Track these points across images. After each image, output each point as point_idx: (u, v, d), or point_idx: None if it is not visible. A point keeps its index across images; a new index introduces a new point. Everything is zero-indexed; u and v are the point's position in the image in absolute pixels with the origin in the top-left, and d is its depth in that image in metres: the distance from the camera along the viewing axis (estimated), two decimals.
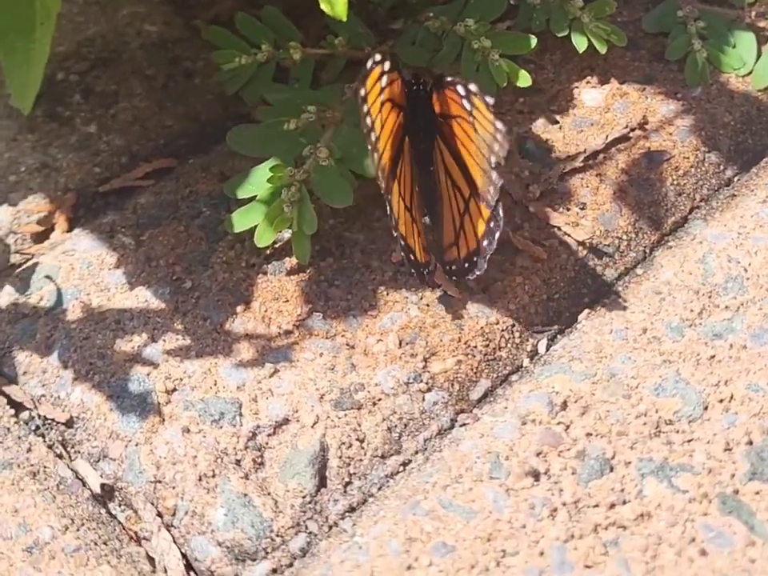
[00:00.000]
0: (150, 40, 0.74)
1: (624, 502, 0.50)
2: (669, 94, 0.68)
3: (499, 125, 0.50)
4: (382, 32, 0.71)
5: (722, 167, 0.65)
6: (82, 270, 0.60)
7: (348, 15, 0.68)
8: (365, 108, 0.51)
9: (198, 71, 0.72)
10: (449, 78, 0.55)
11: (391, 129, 0.55)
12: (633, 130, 0.66)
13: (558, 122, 0.66)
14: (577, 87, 0.68)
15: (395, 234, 0.55)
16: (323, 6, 0.53)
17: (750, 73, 0.69)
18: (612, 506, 0.50)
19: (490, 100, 0.51)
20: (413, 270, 0.56)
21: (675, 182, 0.63)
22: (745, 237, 0.60)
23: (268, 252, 0.60)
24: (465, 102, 0.52)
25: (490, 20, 0.67)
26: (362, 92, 0.51)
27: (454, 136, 0.56)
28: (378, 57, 0.52)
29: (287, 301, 0.58)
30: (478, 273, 0.56)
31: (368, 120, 0.52)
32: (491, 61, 0.65)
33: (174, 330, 0.57)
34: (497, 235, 0.55)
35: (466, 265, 0.56)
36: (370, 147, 0.52)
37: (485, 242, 0.55)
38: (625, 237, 0.61)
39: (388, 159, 0.54)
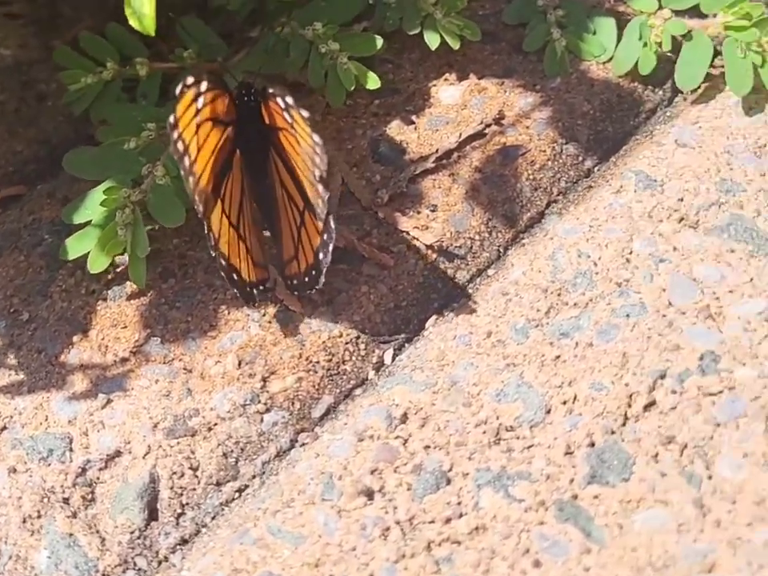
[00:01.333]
0: (4, 63, 0.72)
1: (460, 516, 0.48)
2: (527, 86, 0.66)
3: (317, 138, 0.49)
4: (238, 41, 0.69)
5: (580, 158, 0.63)
6: None
7: (199, 25, 0.67)
8: (175, 134, 0.49)
9: (51, 93, 0.70)
10: (270, 90, 0.53)
11: (213, 148, 0.53)
12: (488, 126, 0.64)
13: (413, 123, 0.65)
14: (434, 85, 0.66)
15: (214, 254, 0.53)
16: (131, 22, 0.51)
17: (611, 59, 0.67)
18: (448, 520, 0.48)
19: (305, 113, 0.49)
20: (235, 290, 0.54)
21: (531, 177, 0.62)
22: (596, 229, 0.58)
23: (109, 277, 0.58)
24: (286, 114, 0.50)
25: (341, 22, 0.65)
26: (172, 119, 0.49)
27: (283, 148, 0.54)
28: (189, 79, 0.50)
29: (125, 327, 0.56)
30: (317, 287, 0.54)
31: (179, 146, 0.49)
32: (339, 64, 0.63)
33: (7, 365, 0.55)
34: (330, 247, 0.53)
35: (306, 279, 0.54)
36: (183, 173, 0.50)
37: (320, 255, 0.53)
38: (477, 237, 0.60)
39: (208, 180, 0.52)
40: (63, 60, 0.66)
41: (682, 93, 0.67)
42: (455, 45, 0.65)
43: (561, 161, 0.63)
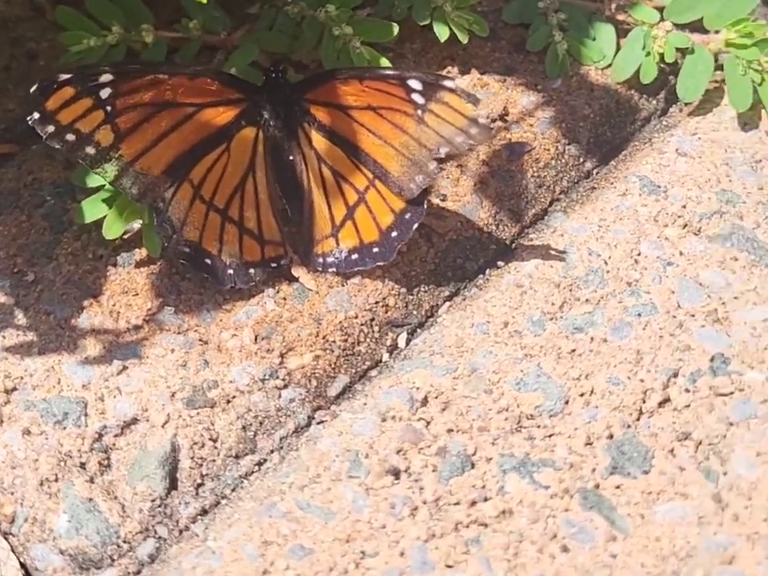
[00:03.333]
0: None
1: (486, 499, 0.49)
2: (529, 85, 0.67)
3: (482, 120, 0.50)
4: (238, 17, 0.68)
5: (581, 159, 0.65)
6: None
7: None
8: (50, 128, 0.50)
9: (43, 52, 0.68)
10: (389, 72, 0.54)
11: (163, 132, 0.53)
12: (494, 121, 0.65)
13: None
14: None
15: (167, 243, 0.54)
16: None
17: (610, 65, 0.68)
18: (473, 503, 0.49)
19: (479, 96, 0.51)
20: (206, 275, 0.55)
21: (536, 174, 0.63)
22: (605, 229, 0.59)
23: (117, 243, 0.57)
24: (416, 95, 0.51)
25: (351, 6, 0.65)
26: (38, 114, 0.50)
27: (353, 125, 0.55)
28: (63, 77, 0.50)
29: (137, 294, 0.55)
30: (381, 263, 0.55)
31: (68, 137, 0.51)
32: (352, 48, 0.63)
33: (15, 325, 0.53)
34: (414, 226, 0.54)
35: (355, 256, 0.54)
36: (87, 162, 0.52)
37: (394, 233, 0.54)
38: (486, 229, 0.60)
39: (155, 164, 0.53)
40: (65, 20, 0.64)
41: (676, 103, 0.68)
42: (464, 39, 0.66)
43: (563, 161, 0.64)
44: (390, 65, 0.63)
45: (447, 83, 0.51)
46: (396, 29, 0.63)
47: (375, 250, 0.55)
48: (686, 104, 0.67)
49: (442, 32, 0.66)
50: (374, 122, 0.54)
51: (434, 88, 0.51)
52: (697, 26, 0.68)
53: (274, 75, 0.57)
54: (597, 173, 0.65)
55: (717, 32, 0.67)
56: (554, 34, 0.68)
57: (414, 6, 0.67)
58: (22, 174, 0.60)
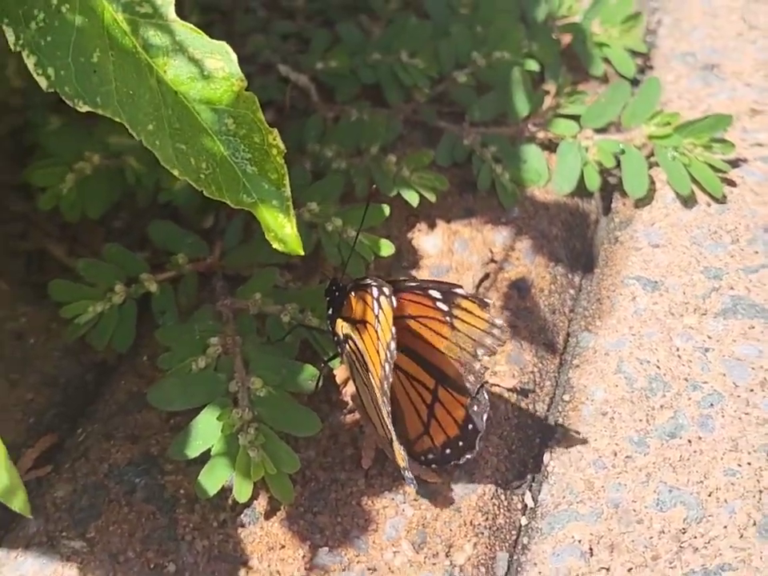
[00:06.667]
0: None
1: None
2: (494, 221, 0.72)
3: (498, 321, 0.53)
4: (197, 232, 0.69)
5: (570, 276, 0.70)
6: None
7: (169, 227, 0.67)
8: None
9: (26, 331, 0.66)
10: (413, 283, 0.56)
11: None
12: (486, 264, 0.69)
13: (417, 277, 0.68)
14: (413, 238, 0.70)
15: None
16: (275, 245, 0.51)
17: (548, 182, 0.74)
18: None
19: (488, 301, 0.54)
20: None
21: (546, 303, 0.68)
22: (639, 336, 0.65)
23: (229, 503, 0.57)
24: (441, 304, 0.53)
25: (333, 199, 0.67)
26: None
27: (410, 336, 0.57)
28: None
29: (284, 546, 0.56)
30: (469, 456, 0.57)
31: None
32: (350, 239, 0.66)
33: None
34: (485, 417, 0.56)
35: (448, 450, 0.57)
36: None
37: (470, 426, 0.56)
38: (536, 369, 0.65)
39: None
40: (59, 293, 0.63)
41: (611, 199, 0.75)
42: (433, 198, 0.70)
43: (559, 282, 0.69)
44: (391, 244, 0.66)
45: (458, 291, 0.54)
46: (387, 209, 0.67)
47: (460, 443, 0.58)
48: (636, 200, 0.74)
49: (412, 198, 0.70)
50: (421, 329, 0.57)
51: (450, 296, 0.55)
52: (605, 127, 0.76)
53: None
54: (586, 284, 0.70)
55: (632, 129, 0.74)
56: (494, 167, 0.73)
57: (378, 181, 0.70)
58: (94, 465, 0.59)
